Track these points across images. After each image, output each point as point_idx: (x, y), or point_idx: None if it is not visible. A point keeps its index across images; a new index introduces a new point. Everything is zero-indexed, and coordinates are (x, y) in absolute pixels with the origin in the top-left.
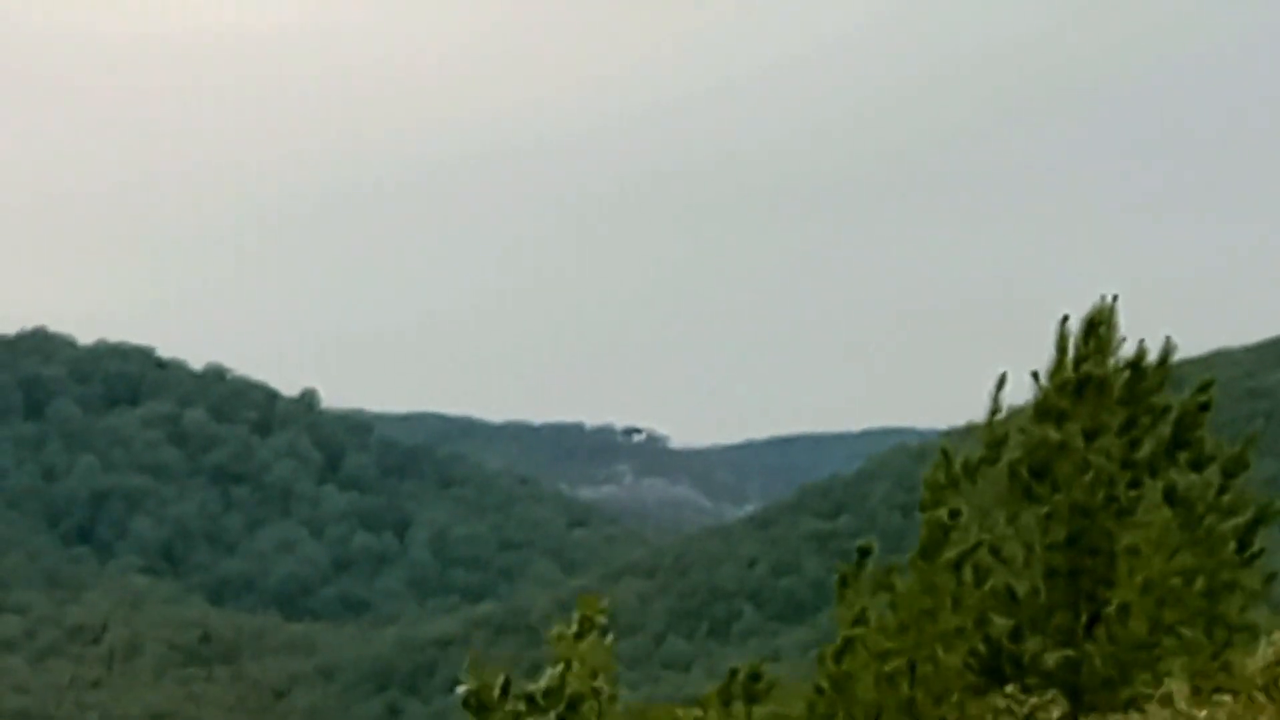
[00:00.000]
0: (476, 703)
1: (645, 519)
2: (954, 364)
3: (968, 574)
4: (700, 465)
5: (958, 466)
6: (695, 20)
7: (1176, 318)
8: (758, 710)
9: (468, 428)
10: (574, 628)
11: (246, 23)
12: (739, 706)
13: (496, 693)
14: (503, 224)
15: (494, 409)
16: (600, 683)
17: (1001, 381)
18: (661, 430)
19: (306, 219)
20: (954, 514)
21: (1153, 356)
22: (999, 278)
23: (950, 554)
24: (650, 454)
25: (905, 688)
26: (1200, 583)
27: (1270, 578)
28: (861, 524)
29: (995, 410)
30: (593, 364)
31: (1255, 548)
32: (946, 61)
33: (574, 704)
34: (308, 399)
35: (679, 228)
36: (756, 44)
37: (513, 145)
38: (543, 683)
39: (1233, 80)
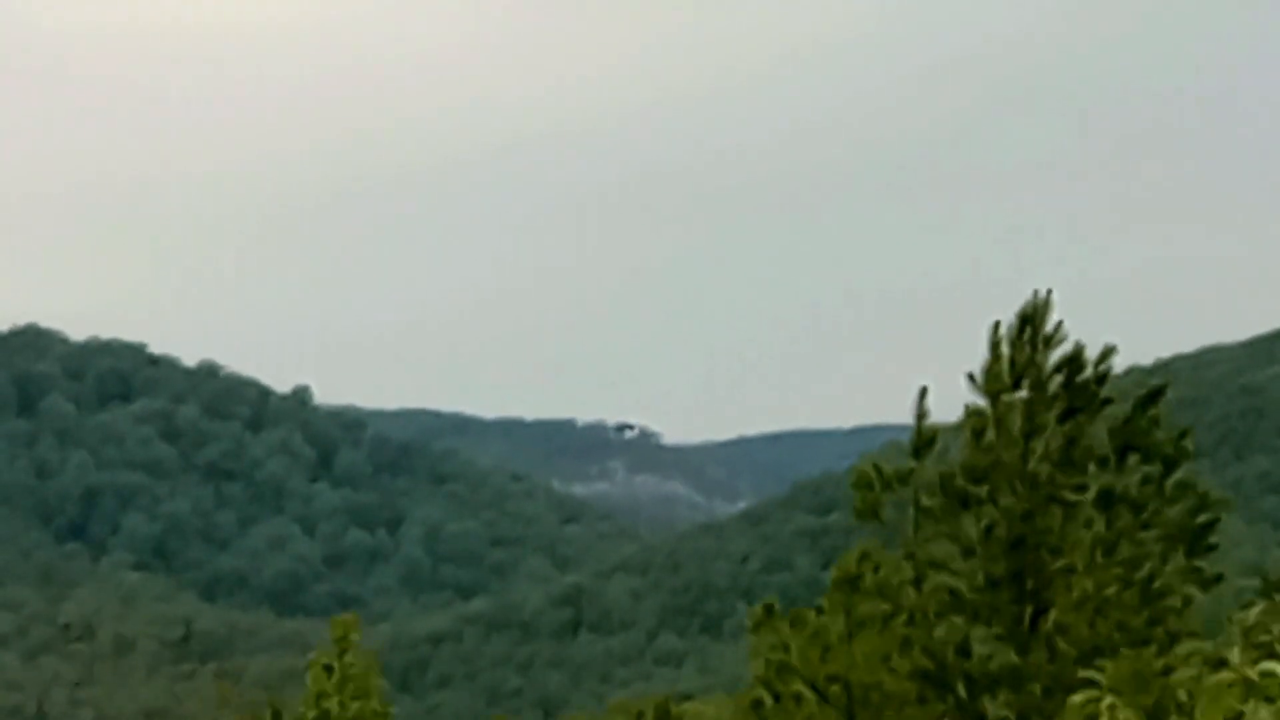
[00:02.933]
0: None
1: (637, 515)
2: (947, 361)
3: (903, 574)
4: (692, 462)
5: (889, 475)
6: (688, 21)
7: (1171, 315)
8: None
9: (460, 424)
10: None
11: (240, 19)
12: None
13: None
14: (495, 222)
15: (486, 405)
16: (372, 702)
17: (924, 393)
18: (654, 427)
19: (299, 217)
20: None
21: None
22: (991, 275)
23: (870, 582)
24: (642, 450)
25: (840, 708)
26: (1135, 589)
27: (1218, 578)
28: (853, 521)
29: (921, 416)
30: (585, 361)
31: (1206, 539)
32: (940, 60)
33: None
34: (300, 396)
35: (671, 226)
36: (752, 44)
37: (505, 144)
38: (308, 713)
39: (1229, 80)
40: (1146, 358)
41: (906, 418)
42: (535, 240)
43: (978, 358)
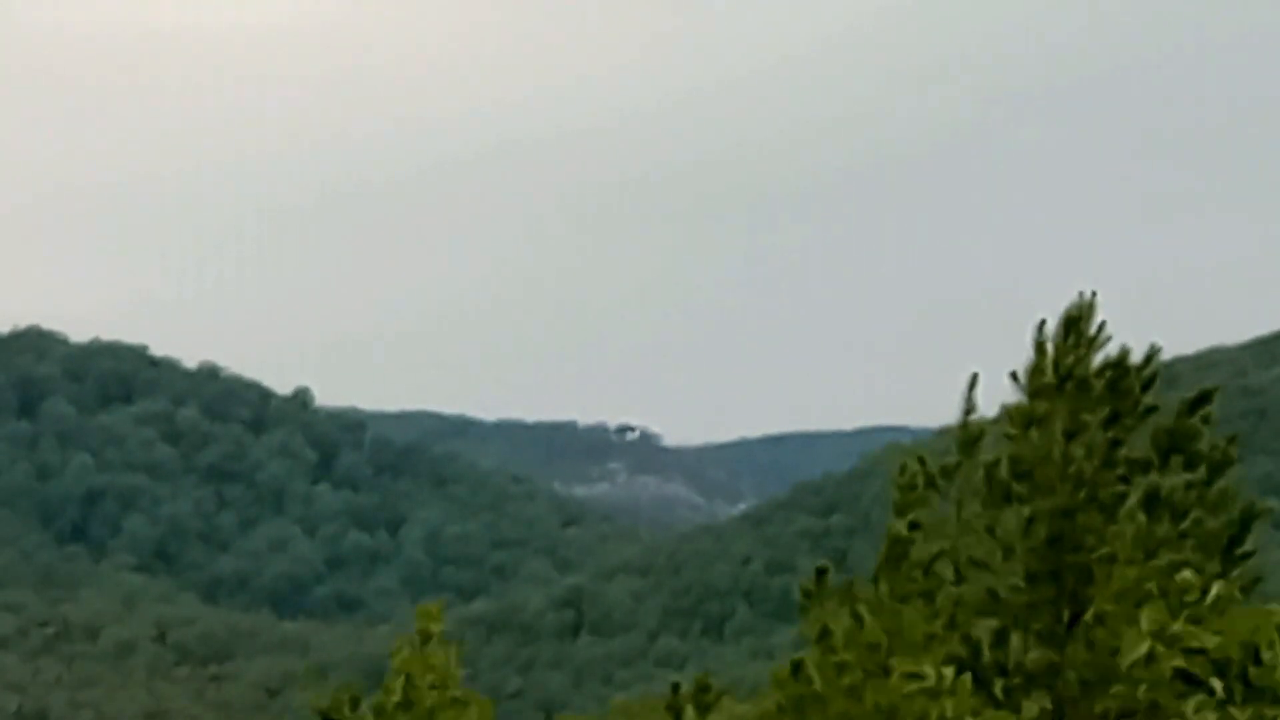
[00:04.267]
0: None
1: (638, 517)
2: (948, 362)
3: (946, 575)
4: (693, 463)
5: (934, 469)
6: (688, 21)
7: (1171, 315)
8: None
9: (461, 426)
10: (416, 639)
11: (240, 20)
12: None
13: (347, 709)
14: (496, 223)
15: (487, 407)
16: (452, 690)
17: (973, 381)
18: (654, 428)
19: (299, 218)
20: (913, 525)
21: (1138, 358)
22: (993, 276)
23: (917, 560)
24: (643, 452)
25: (876, 698)
26: (1174, 587)
27: (1256, 581)
28: (855, 522)
29: (969, 410)
30: (586, 363)
31: (1244, 547)
32: (941, 60)
33: (430, 715)
34: (301, 397)
35: (671, 227)
36: (752, 44)
37: (506, 145)
38: (393, 696)
39: (1229, 78)
40: None
41: (907, 419)
42: (536, 241)
43: (977, 359)
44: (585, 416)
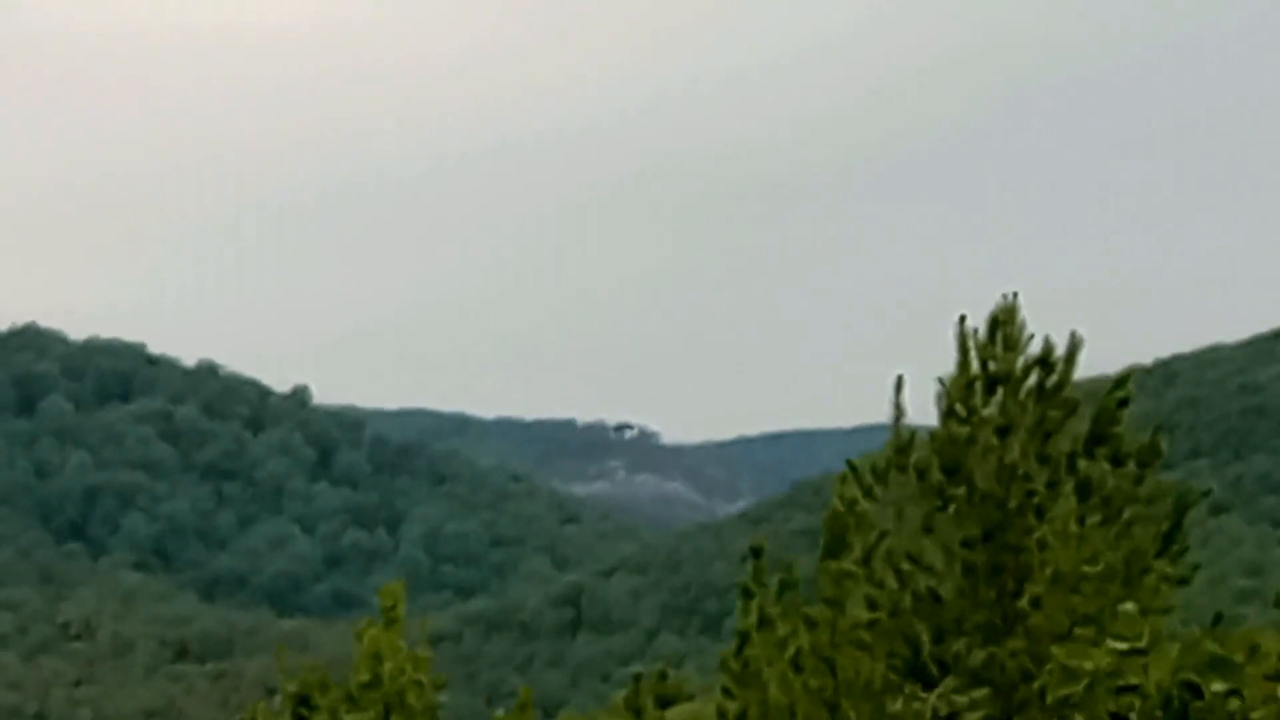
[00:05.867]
0: (299, 701)
1: (637, 515)
2: (948, 361)
3: (884, 574)
4: (692, 461)
5: (867, 474)
6: (688, 20)
7: (1170, 313)
8: (671, 713)
9: (460, 424)
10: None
11: (239, 20)
12: (651, 713)
13: (318, 693)
14: (494, 220)
15: (486, 405)
16: (417, 673)
17: (899, 384)
18: (653, 426)
19: (298, 215)
20: (852, 503)
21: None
22: (990, 274)
23: (857, 549)
24: (642, 450)
25: (821, 684)
26: (1117, 572)
27: (1195, 569)
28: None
29: (899, 413)
30: (584, 360)
31: (1179, 542)
32: (940, 57)
33: (399, 696)
34: (299, 395)
35: (670, 224)
36: (752, 43)
37: (503, 142)
38: (359, 677)
39: (1226, 76)
40: (1146, 358)
41: (906, 419)
42: (535, 240)
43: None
44: (584, 414)
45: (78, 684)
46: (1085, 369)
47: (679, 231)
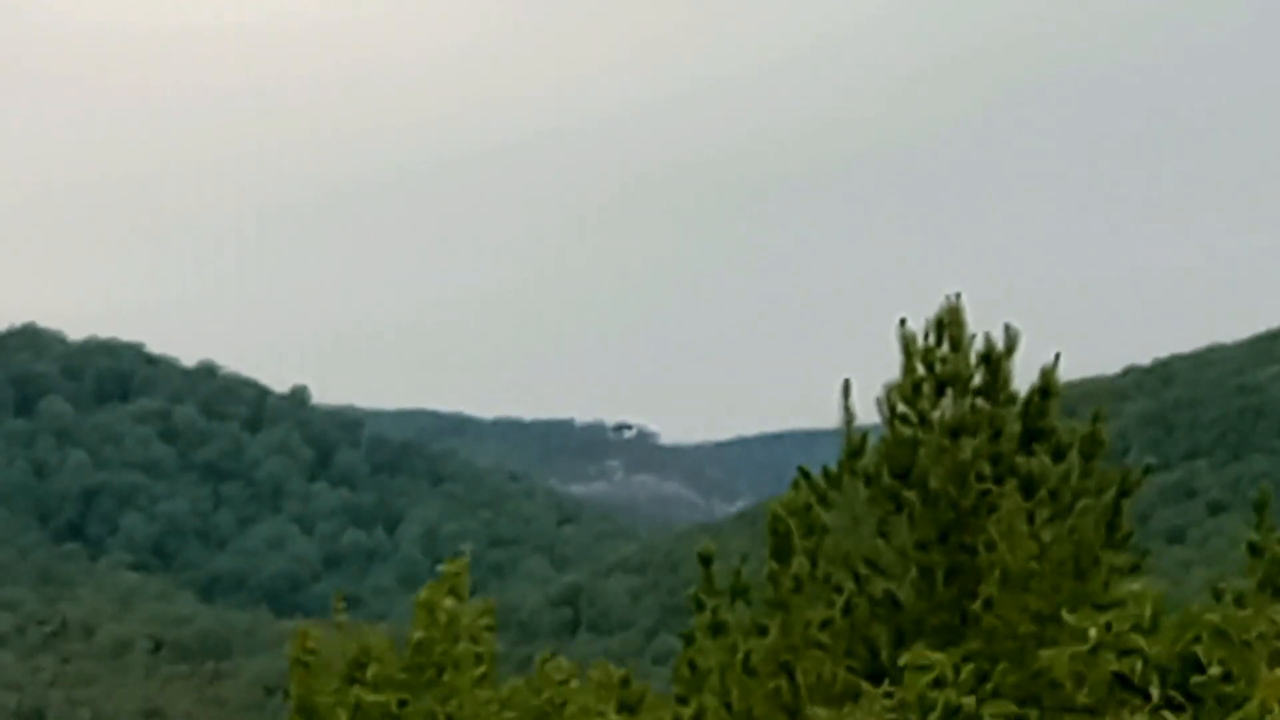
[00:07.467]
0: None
1: (636, 515)
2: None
3: (842, 577)
4: (690, 461)
5: (819, 481)
6: (688, 20)
7: (1170, 314)
8: None
9: (458, 424)
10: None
11: (240, 19)
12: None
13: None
14: (494, 221)
15: (485, 405)
16: (476, 644)
17: (847, 388)
18: (652, 426)
19: (297, 216)
20: (807, 508)
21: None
22: (990, 272)
23: (801, 554)
24: (640, 450)
25: (777, 687)
26: (1066, 566)
27: (1144, 554)
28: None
29: (850, 418)
30: (583, 361)
31: (1123, 529)
32: (940, 56)
33: (455, 664)
34: (298, 395)
35: (670, 225)
36: (752, 43)
37: (503, 143)
38: (418, 631)
39: (1227, 77)
40: (1145, 358)
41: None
42: (534, 240)
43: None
44: (582, 414)
45: (76, 684)
46: (1085, 369)
47: (678, 232)
